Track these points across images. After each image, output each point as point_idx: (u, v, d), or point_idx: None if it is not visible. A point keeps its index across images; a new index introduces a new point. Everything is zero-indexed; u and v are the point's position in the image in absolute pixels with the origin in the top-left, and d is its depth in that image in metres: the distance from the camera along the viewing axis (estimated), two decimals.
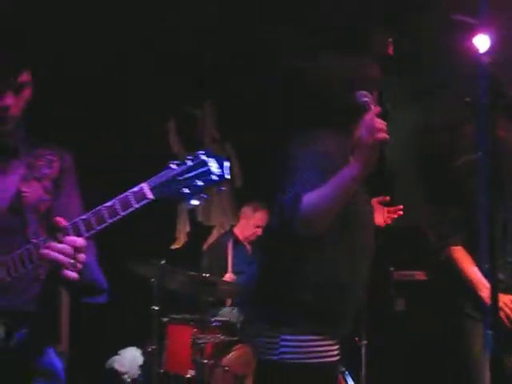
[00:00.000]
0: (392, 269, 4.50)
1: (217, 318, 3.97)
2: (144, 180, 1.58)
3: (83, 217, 1.57)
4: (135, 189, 1.57)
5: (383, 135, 1.74)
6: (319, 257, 1.94)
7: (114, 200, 1.57)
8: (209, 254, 4.51)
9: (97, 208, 1.57)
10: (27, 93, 1.78)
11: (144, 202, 1.55)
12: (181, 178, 1.56)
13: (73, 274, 1.54)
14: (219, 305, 4.13)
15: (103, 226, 1.56)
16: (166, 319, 4.05)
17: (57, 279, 1.57)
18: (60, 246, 1.53)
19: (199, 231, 5.24)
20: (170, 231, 5.16)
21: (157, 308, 3.89)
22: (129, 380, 4.44)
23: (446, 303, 3.10)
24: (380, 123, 1.76)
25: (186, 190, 1.55)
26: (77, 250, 1.54)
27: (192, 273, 3.82)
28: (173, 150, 5.13)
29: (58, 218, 1.56)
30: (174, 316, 4.10)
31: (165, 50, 4.67)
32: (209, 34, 4.56)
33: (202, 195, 1.58)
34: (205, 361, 3.65)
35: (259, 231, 4.48)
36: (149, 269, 3.81)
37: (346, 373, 3.66)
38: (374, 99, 1.80)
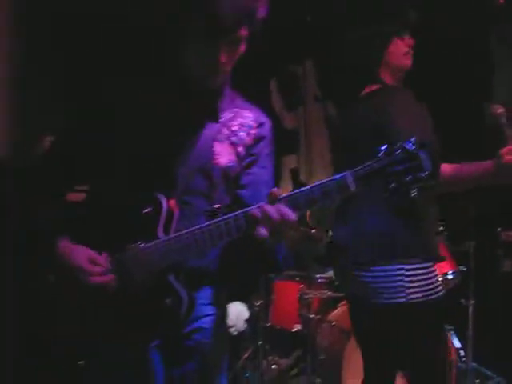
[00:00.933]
0: (499, 229, 4.35)
1: (322, 275, 4.02)
2: None
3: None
4: (337, 177, 1.44)
5: None
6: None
7: (313, 186, 1.46)
8: (313, 212, 4.54)
9: (292, 192, 1.48)
10: (241, 48, 1.66)
11: (344, 193, 1.44)
12: (389, 171, 1.40)
13: (265, 234, 1.44)
14: (325, 262, 4.16)
15: (298, 212, 1.46)
16: (272, 275, 4.15)
17: (248, 237, 1.48)
18: (271, 209, 1.45)
19: None
20: None
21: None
22: (235, 333, 4.60)
23: None
24: None
25: (394, 186, 1.39)
26: (285, 222, 1.45)
27: (301, 228, 3.87)
28: (275, 109, 5.15)
29: (274, 190, 1.48)
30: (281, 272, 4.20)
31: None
32: None
33: (411, 193, 1.40)
34: (311, 315, 3.73)
35: None
36: None
37: (453, 332, 3.63)
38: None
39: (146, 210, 1.59)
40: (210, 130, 1.71)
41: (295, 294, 3.88)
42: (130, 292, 1.58)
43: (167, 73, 1.75)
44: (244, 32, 1.63)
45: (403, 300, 2.10)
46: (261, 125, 1.79)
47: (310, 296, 3.77)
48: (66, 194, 1.79)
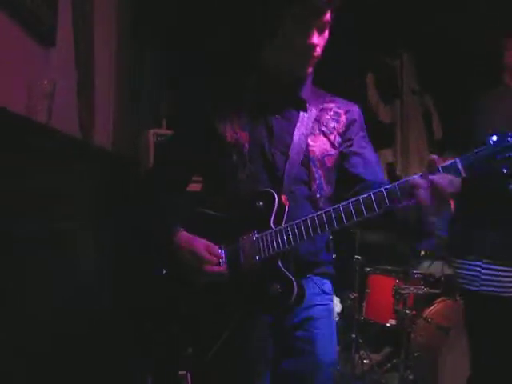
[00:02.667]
0: None
1: (419, 271, 3.96)
2: None
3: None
4: (447, 163, 1.43)
5: None
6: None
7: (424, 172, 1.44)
8: None
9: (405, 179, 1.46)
10: (327, 34, 1.71)
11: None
12: (500, 157, 1.39)
13: (427, 201, 1.41)
14: (422, 258, 4.10)
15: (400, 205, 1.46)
16: (368, 269, 4.15)
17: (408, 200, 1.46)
18: (436, 177, 1.41)
19: None
20: None
21: (359, 258, 3.98)
22: None
23: None
24: None
25: (505, 171, 1.39)
26: (440, 190, 1.41)
27: None
28: (371, 103, 5.10)
29: (433, 157, 1.44)
30: (377, 266, 4.18)
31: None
32: None
33: None
34: (407, 311, 3.69)
35: None
36: None
37: None
38: None
39: (259, 204, 1.66)
40: (302, 122, 1.75)
41: (390, 288, 3.86)
42: (239, 278, 1.66)
43: (257, 67, 1.81)
44: (329, 16, 1.67)
45: (476, 288, 2.30)
46: (348, 111, 1.82)
47: (406, 291, 3.73)
48: (186, 186, 1.92)
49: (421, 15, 4.73)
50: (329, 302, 1.81)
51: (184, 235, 1.71)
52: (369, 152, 1.80)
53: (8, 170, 1.74)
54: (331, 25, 1.70)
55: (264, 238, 1.63)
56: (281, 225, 1.63)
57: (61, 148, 2.20)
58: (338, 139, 1.79)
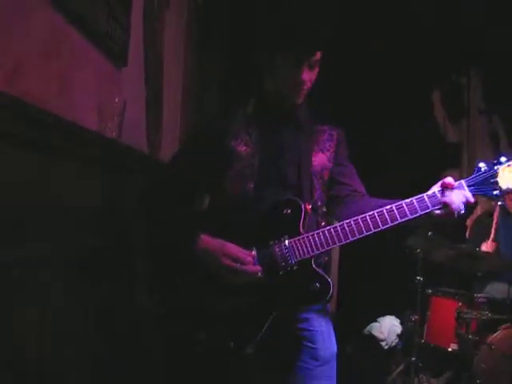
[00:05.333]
0: None
1: (482, 295, 3.85)
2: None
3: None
4: (456, 183, 1.80)
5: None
6: None
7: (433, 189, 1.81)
8: (474, 228, 4.39)
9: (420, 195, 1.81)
10: (316, 71, 1.95)
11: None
12: (492, 181, 1.79)
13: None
14: (486, 280, 3.99)
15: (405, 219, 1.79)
16: (429, 291, 4.06)
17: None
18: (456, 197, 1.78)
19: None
20: None
21: (421, 279, 3.91)
22: (386, 347, 4.55)
23: None
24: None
25: (496, 193, 1.79)
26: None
27: (461, 245, 3.75)
28: (438, 122, 5.03)
29: (447, 180, 1.80)
30: (439, 288, 4.10)
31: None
32: None
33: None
34: (470, 336, 3.59)
35: None
36: (415, 239, 3.84)
37: None
38: None
39: (288, 211, 1.87)
40: (305, 143, 2.01)
41: (453, 311, 3.75)
42: (275, 279, 1.84)
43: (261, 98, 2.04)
44: (319, 55, 1.90)
45: None
46: (338, 134, 2.09)
47: (469, 316, 3.62)
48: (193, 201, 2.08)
49: (490, 30, 4.64)
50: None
51: (209, 240, 1.85)
52: (352, 168, 2.10)
53: (82, 183, 1.82)
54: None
55: (297, 242, 1.84)
56: (305, 230, 1.86)
57: (128, 163, 2.28)
58: (333, 155, 2.06)
